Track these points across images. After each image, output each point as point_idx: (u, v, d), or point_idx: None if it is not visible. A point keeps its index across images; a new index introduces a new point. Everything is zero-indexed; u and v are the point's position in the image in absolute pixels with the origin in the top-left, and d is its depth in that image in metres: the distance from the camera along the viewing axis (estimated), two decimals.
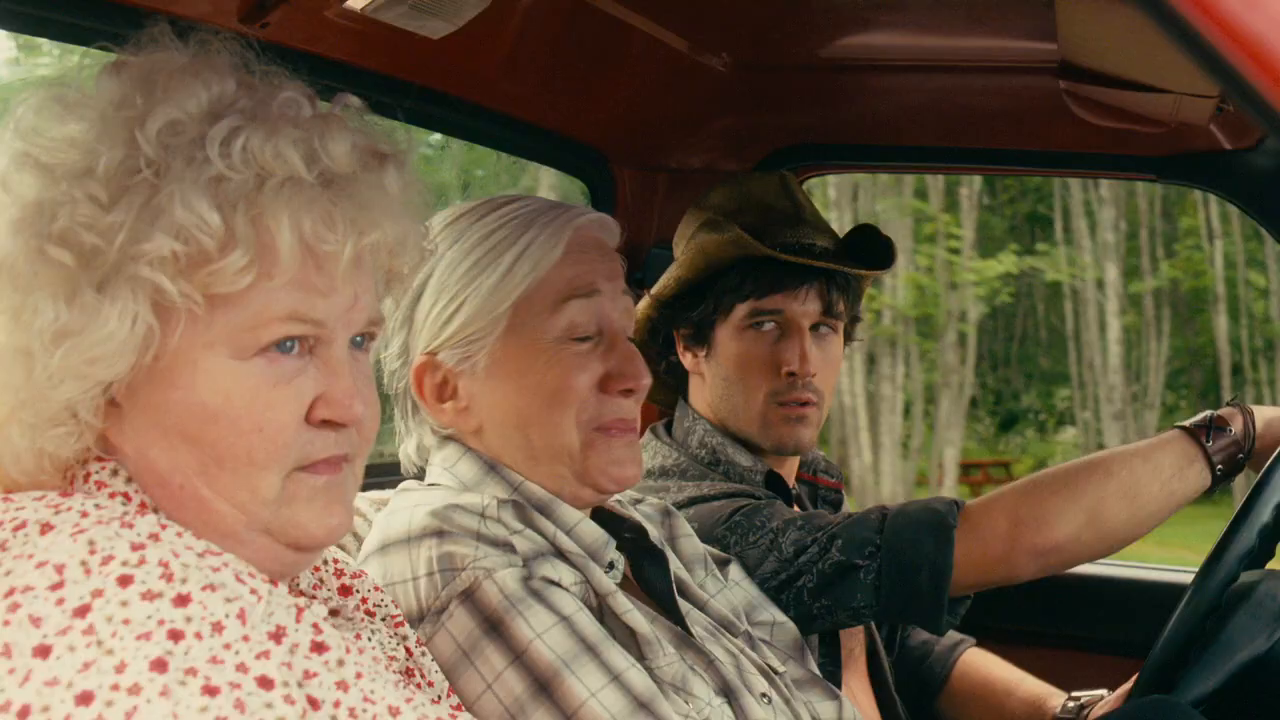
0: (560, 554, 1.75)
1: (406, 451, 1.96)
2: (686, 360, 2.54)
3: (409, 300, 1.85)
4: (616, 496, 1.96)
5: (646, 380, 1.86)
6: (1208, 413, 2.27)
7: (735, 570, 2.15)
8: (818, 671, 2.10)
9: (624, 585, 1.86)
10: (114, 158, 1.20)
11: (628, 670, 1.65)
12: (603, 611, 1.74)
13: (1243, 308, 26.89)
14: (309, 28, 2.04)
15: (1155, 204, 27.07)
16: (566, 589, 1.70)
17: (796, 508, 2.54)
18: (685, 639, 1.81)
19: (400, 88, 2.35)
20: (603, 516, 1.94)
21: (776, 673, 1.94)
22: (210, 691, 1.10)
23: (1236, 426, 2.24)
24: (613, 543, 1.85)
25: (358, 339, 1.33)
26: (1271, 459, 2.19)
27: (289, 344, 1.26)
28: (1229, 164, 2.72)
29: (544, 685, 1.60)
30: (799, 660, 2.07)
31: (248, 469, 1.25)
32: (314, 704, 1.19)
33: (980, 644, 2.76)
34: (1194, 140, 2.68)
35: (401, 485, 1.91)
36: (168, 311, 1.21)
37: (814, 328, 2.44)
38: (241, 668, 1.14)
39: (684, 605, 1.92)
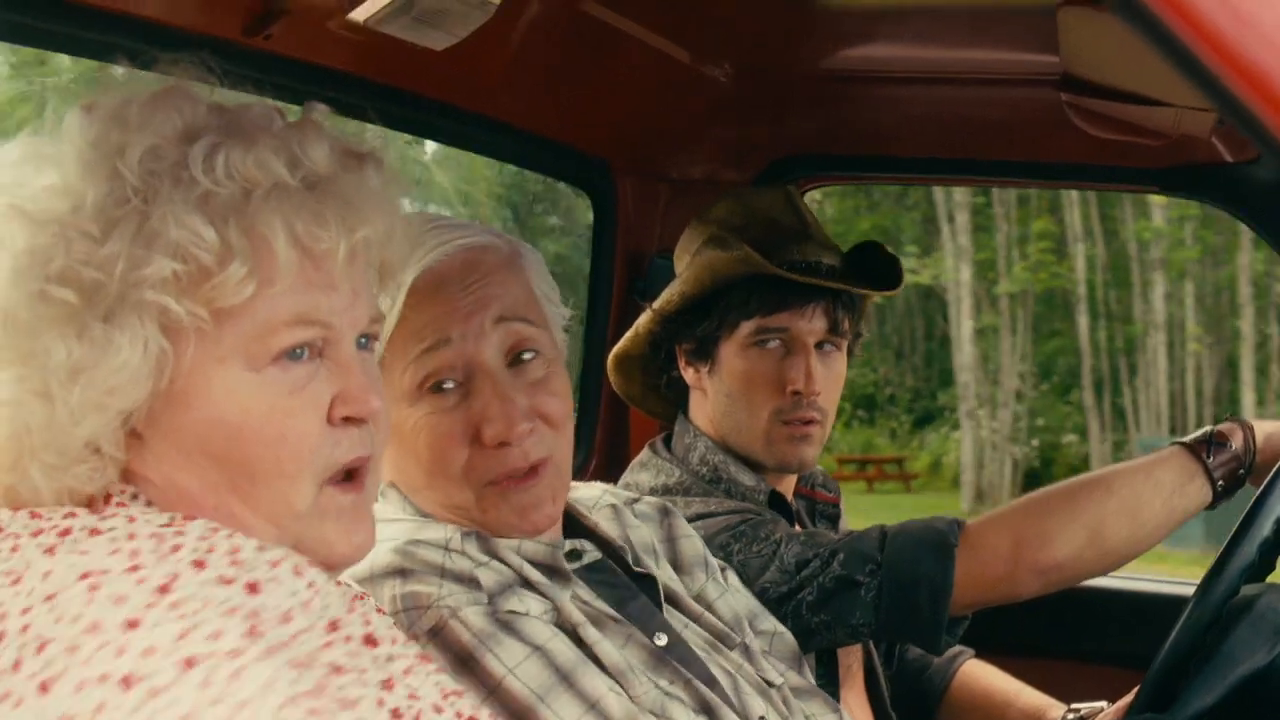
0: (527, 584, 1.71)
1: None
2: (688, 375, 2.52)
3: None
4: (584, 510, 1.93)
5: (523, 426, 1.70)
6: (1208, 428, 2.27)
7: (734, 579, 2.13)
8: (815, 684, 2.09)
9: (601, 580, 1.81)
10: (100, 192, 1.22)
11: (605, 696, 1.61)
12: (576, 642, 1.68)
13: (1102, 309, 28.17)
14: (312, 39, 2.05)
15: (1011, 210, 27.86)
16: (537, 618, 1.66)
17: (797, 526, 2.54)
18: (661, 657, 1.74)
19: (403, 98, 2.36)
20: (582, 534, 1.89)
21: (773, 685, 1.91)
22: (297, 665, 1.12)
23: (1236, 442, 2.24)
24: (561, 547, 1.78)
25: (362, 340, 1.35)
26: (1272, 474, 2.19)
27: (299, 351, 1.28)
28: (1230, 176, 2.72)
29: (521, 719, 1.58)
30: (798, 671, 2.06)
31: (279, 481, 1.26)
32: (387, 688, 1.22)
33: (979, 655, 2.75)
34: (1195, 152, 2.68)
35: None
36: (177, 333, 1.22)
37: (819, 345, 2.43)
38: (318, 650, 1.17)
39: (677, 622, 1.87)
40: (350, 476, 1.33)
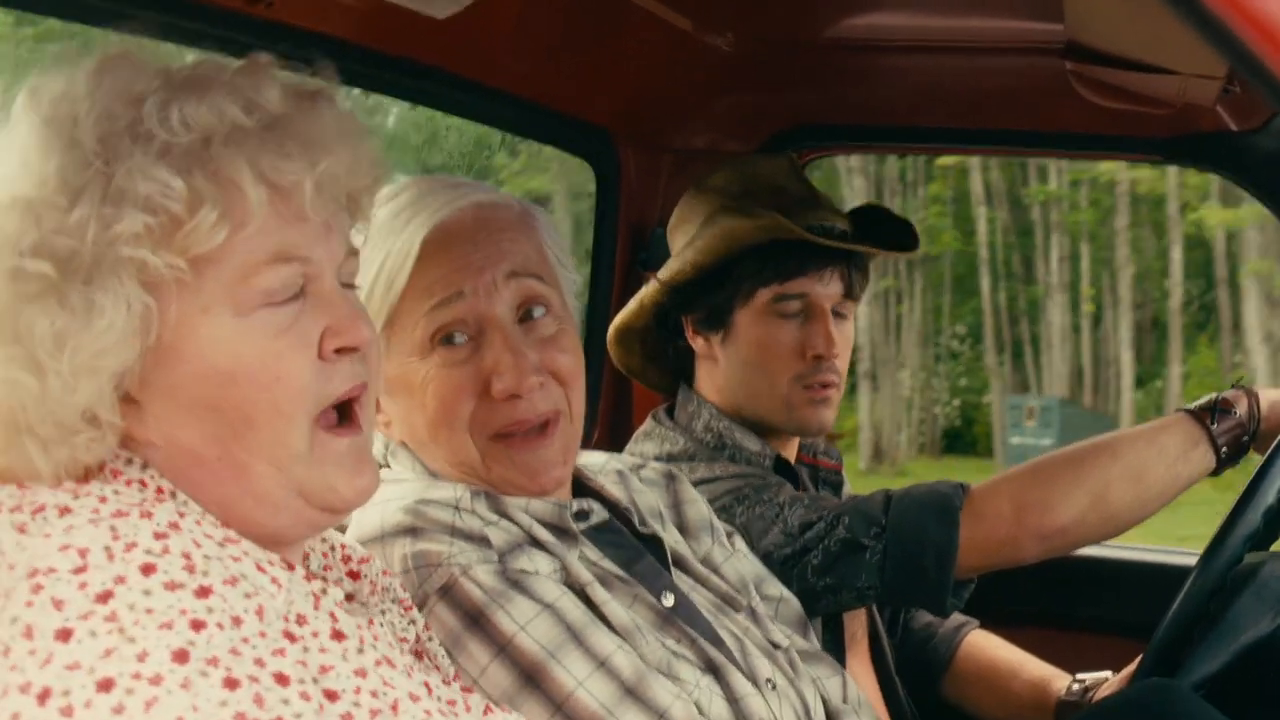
0: (536, 543, 1.71)
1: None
2: (697, 345, 2.51)
3: None
4: (591, 474, 1.93)
5: (533, 379, 1.72)
6: (1213, 395, 2.27)
7: (740, 543, 2.13)
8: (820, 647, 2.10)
9: (609, 540, 1.82)
10: (60, 163, 1.22)
11: (614, 654, 1.62)
12: (584, 601, 1.69)
13: (1003, 271, 28.93)
14: (314, 7, 2.04)
15: (908, 171, 28.36)
16: (546, 577, 1.67)
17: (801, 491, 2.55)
18: (668, 617, 1.76)
19: (405, 66, 2.35)
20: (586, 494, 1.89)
21: (779, 647, 1.92)
22: (230, 684, 1.11)
23: (1241, 409, 2.24)
24: (569, 506, 1.78)
25: (344, 274, 1.35)
26: (1276, 441, 2.19)
27: (282, 291, 1.28)
28: (1235, 145, 2.71)
29: (531, 676, 1.58)
30: (804, 635, 2.06)
31: (276, 421, 1.26)
32: (331, 697, 1.20)
33: (984, 626, 2.76)
34: (1200, 122, 2.67)
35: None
36: (158, 287, 1.22)
37: (833, 309, 2.44)
38: (259, 662, 1.15)
39: (687, 581, 1.88)
40: (345, 417, 1.33)
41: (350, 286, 1.37)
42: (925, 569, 2.18)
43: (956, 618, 2.72)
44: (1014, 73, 2.79)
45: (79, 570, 1.11)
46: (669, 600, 1.80)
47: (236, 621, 1.15)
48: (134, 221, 1.20)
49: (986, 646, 2.71)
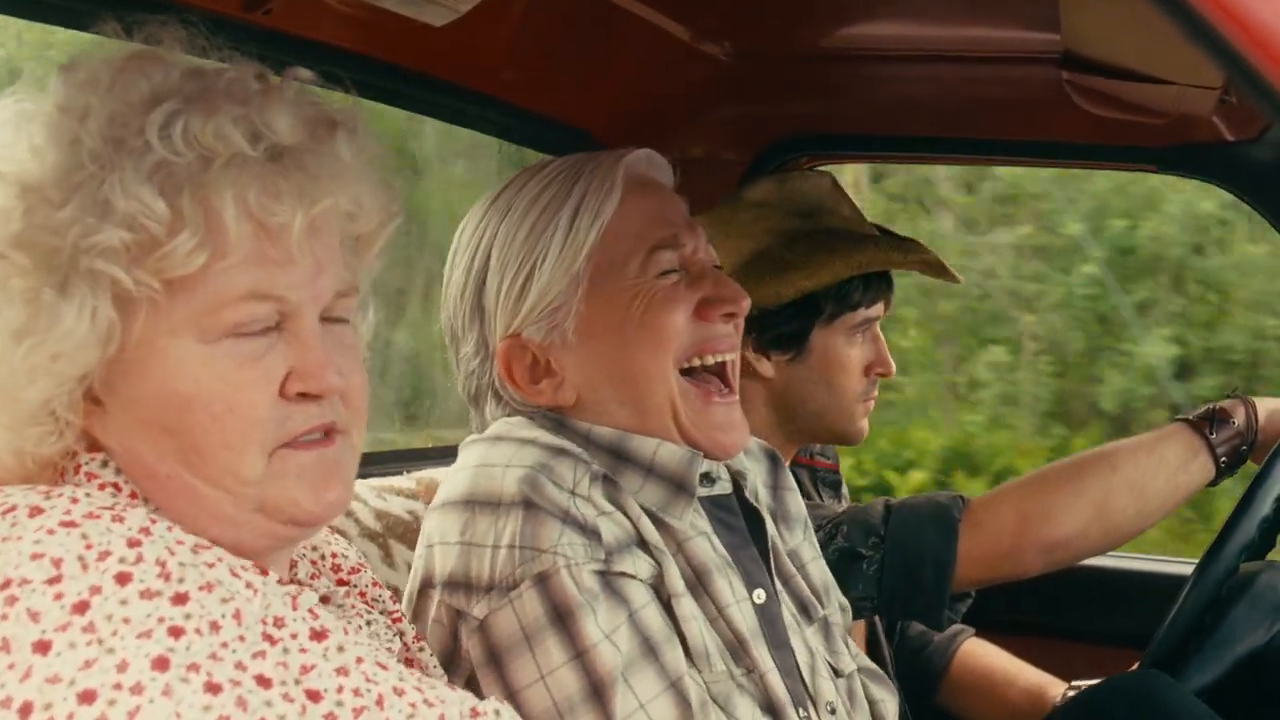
0: (644, 543, 1.68)
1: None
2: (760, 366, 2.44)
3: (472, 290, 1.77)
4: None
5: (746, 302, 1.79)
6: (1210, 405, 2.27)
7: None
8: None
9: (722, 519, 1.81)
10: (60, 157, 1.20)
11: (684, 677, 1.60)
12: (668, 610, 1.66)
13: None
14: (311, 14, 2.04)
15: None
16: (641, 581, 1.64)
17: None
18: (738, 650, 1.71)
19: (401, 75, 2.35)
20: None
21: (842, 675, 1.87)
22: (213, 689, 1.10)
23: (1239, 418, 2.25)
24: (699, 460, 1.76)
25: (333, 312, 1.32)
26: (1272, 452, 2.19)
27: (253, 324, 1.25)
28: (1231, 156, 2.71)
29: (598, 690, 1.56)
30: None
31: (225, 452, 1.23)
32: (314, 697, 1.19)
33: (979, 634, 2.75)
34: (1196, 132, 2.67)
35: (491, 432, 1.78)
36: (128, 302, 1.20)
37: None
38: (240, 666, 1.14)
39: (776, 579, 1.84)
40: (323, 434, 1.29)
41: (340, 321, 1.33)
42: (922, 581, 2.18)
43: (952, 625, 2.72)
44: (1011, 82, 2.80)
45: (53, 580, 1.10)
46: (760, 598, 1.78)
47: (215, 627, 1.14)
48: (111, 236, 1.18)
49: (982, 654, 2.71)
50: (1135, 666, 2.28)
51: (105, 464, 1.25)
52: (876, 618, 2.58)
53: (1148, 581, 3.04)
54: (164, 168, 1.20)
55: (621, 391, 1.75)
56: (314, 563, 1.47)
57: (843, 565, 2.20)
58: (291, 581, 1.32)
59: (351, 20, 2.08)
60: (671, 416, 1.75)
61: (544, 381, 1.76)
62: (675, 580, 1.68)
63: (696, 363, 1.76)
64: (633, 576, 1.63)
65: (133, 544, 1.15)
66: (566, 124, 2.90)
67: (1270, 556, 2.31)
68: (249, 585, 1.21)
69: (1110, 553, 2.92)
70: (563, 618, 1.57)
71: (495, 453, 1.68)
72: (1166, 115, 2.53)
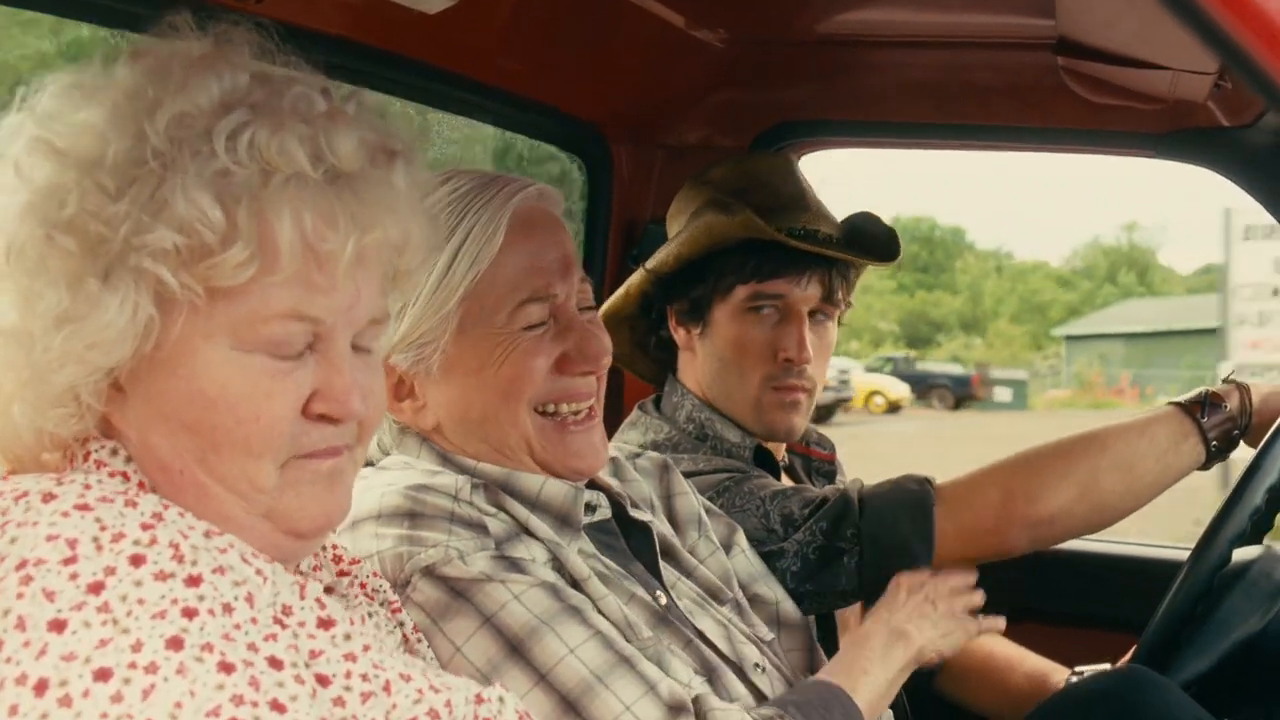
0: (531, 534, 1.73)
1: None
2: (679, 336, 2.52)
3: None
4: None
5: (607, 359, 1.82)
6: (1203, 389, 2.28)
7: (742, 539, 2.14)
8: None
9: (605, 542, 1.84)
10: (122, 147, 1.20)
11: (610, 630, 1.63)
12: (579, 590, 1.70)
13: None
14: (306, 3, 2.04)
15: None
16: (542, 564, 1.68)
17: (787, 479, 2.55)
18: (663, 618, 1.78)
19: (396, 63, 2.35)
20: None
21: (764, 641, 1.94)
22: (226, 669, 1.11)
23: (1232, 403, 2.25)
24: (583, 494, 1.81)
25: (362, 339, 1.33)
26: (1265, 439, 2.20)
27: (288, 340, 1.26)
28: (1226, 141, 2.71)
29: (519, 644, 1.58)
30: (805, 639, 2.09)
31: (244, 457, 1.25)
32: (323, 681, 1.21)
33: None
34: (1192, 117, 2.67)
35: (380, 464, 1.87)
36: (169, 302, 1.21)
37: (812, 314, 2.43)
38: (252, 647, 1.16)
39: (670, 575, 1.90)
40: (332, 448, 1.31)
41: (364, 350, 1.34)
42: (902, 568, 2.18)
43: None
44: (1006, 68, 2.80)
45: (68, 561, 1.11)
46: (662, 600, 1.82)
47: (227, 609, 1.16)
48: (164, 238, 1.18)
49: (983, 641, 2.70)
50: (1133, 649, 2.29)
51: (115, 452, 1.26)
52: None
53: (1146, 567, 3.04)
54: (225, 176, 1.20)
55: (478, 429, 1.80)
56: (315, 555, 1.48)
57: (824, 562, 2.22)
58: (296, 572, 1.33)
59: (346, 8, 2.08)
60: (527, 452, 1.79)
61: (406, 402, 1.82)
62: (579, 566, 1.72)
63: (552, 409, 1.80)
64: (530, 560, 1.68)
65: (146, 527, 1.16)
66: (561, 111, 2.90)
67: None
68: (259, 572, 1.23)
69: (1108, 537, 2.93)
70: (463, 593, 1.60)
71: (378, 478, 1.75)
72: (1162, 100, 2.53)
